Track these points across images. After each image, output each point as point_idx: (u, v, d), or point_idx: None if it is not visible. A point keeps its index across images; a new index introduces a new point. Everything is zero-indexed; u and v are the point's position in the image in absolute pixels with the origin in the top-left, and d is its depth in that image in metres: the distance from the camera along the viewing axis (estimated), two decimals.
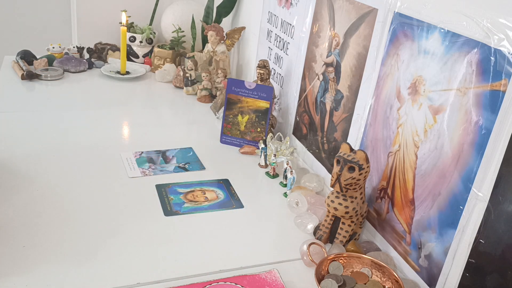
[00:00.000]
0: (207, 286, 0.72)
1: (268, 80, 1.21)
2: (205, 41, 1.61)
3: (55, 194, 0.93)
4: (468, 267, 0.66)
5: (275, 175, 1.08)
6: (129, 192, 0.97)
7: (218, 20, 1.60)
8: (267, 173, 1.09)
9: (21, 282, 0.71)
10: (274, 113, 1.30)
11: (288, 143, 1.13)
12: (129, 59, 1.71)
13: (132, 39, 1.71)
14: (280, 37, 1.27)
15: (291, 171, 0.99)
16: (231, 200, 0.98)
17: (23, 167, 1.01)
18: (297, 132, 1.20)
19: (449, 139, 0.69)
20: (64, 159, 1.05)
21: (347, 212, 0.82)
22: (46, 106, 1.14)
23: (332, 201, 0.83)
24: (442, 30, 0.71)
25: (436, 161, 0.72)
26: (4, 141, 1.10)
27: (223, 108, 1.30)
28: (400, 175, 0.80)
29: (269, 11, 1.33)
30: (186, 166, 1.08)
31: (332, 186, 0.82)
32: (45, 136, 1.14)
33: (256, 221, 0.92)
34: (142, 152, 1.12)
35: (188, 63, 1.50)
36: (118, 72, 1.60)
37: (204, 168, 1.08)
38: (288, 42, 1.22)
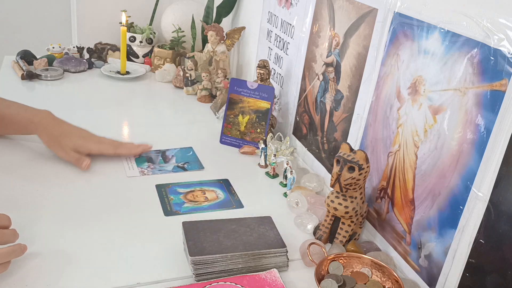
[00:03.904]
0: (207, 286, 0.72)
1: (268, 80, 1.21)
2: (205, 41, 1.61)
3: (54, 194, 0.93)
4: (468, 267, 0.66)
5: (275, 175, 1.08)
6: (129, 192, 0.97)
7: (218, 20, 1.60)
8: (267, 173, 1.09)
9: (21, 282, 0.71)
10: (274, 113, 1.30)
11: (288, 143, 1.13)
12: (129, 59, 1.71)
13: (132, 39, 1.71)
14: (280, 37, 1.27)
15: (291, 171, 0.99)
16: (231, 200, 0.98)
17: (22, 166, 1.01)
18: (297, 132, 1.20)
19: (449, 139, 0.69)
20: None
21: (347, 212, 0.82)
22: (46, 106, 1.14)
23: (332, 201, 0.83)
24: (442, 30, 0.71)
25: (436, 161, 0.72)
26: (3, 142, 1.10)
27: (223, 108, 1.30)
28: (400, 175, 0.80)
29: (269, 11, 1.33)
30: (185, 165, 1.08)
31: (332, 186, 0.82)
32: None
33: None
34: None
35: (188, 63, 1.50)
36: (118, 72, 1.60)
37: (203, 168, 1.08)
38: (288, 42, 1.22)
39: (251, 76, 1.50)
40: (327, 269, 0.76)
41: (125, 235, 0.84)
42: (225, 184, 1.03)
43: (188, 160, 1.11)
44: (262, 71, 1.19)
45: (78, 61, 1.60)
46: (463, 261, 0.67)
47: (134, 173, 1.03)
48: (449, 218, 0.69)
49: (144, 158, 1.10)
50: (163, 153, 1.13)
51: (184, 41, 1.70)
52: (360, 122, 0.92)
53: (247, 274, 0.75)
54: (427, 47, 0.74)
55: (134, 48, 1.72)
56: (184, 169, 1.07)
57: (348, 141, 0.96)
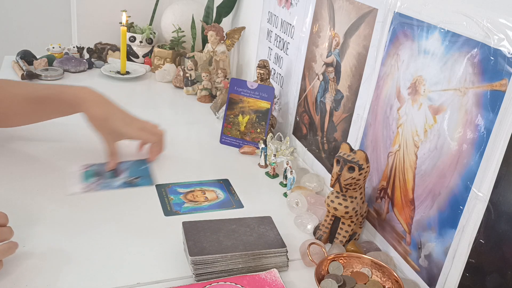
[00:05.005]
0: (207, 286, 0.72)
1: (268, 80, 1.21)
2: (205, 41, 1.61)
3: (54, 194, 0.93)
4: (468, 267, 0.66)
5: (275, 175, 1.08)
6: (128, 192, 0.97)
7: (218, 20, 1.60)
8: (267, 173, 1.09)
9: (21, 282, 0.71)
10: (274, 113, 1.30)
11: (288, 143, 1.13)
12: (129, 59, 1.71)
13: (132, 39, 1.71)
14: (280, 37, 1.27)
15: (291, 171, 0.99)
16: (231, 200, 0.98)
17: (23, 166, 1.01)
18: (297, 132, 1.20)
19: (449, 139, 0.69)
20: (63, 159, 1.05)
21: (347, 212, 0.82)
22: None
23: (332, 201, 0.83)
24: (442, 30, 0.71)
25: (436, 161, 0.72)
26: (3, 141, 1.10)
27: (223, 108, 1.30)
28: (400, 175, 0.80)
29: (269, 11, 1.33)
30: (136, 181, 1.00)
31: (332, 186, 0.82)
32: (45, 136, 1.14)
33: None
34: (91, 165, 1.03)
35: (188, 63, 1.50)
36: (118, 72, 1.60)
37: (153, 184, 0.99)
38: (288, 42, 1.22)
39: (251, 76, 1.50)
40: (327, 269, 0.76)
41: (125, 235, 0.84)
42: (225, 184, 1.03)
43: (141, 174, 1.02)
44: (262, 71, 1.19)
45: (78, 61, 1.60)
46: (463, 261, 0.67)
47: (75, 190, 0.94)
48: (449, 218, 0.69)
49: (93, 171, 1.01)
50: None
51: (184, 41, 1.70)
52: (360, 122, 0.92)
53: (247, 274, 0.75)
54: (427, 47, 0.74)
55: (134, 48, 1.72)
56: (133, 185, 0.98)
57: (348, 141, 0.96)
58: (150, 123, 1.08)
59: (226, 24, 1.64)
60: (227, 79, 1.43)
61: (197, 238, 0.77)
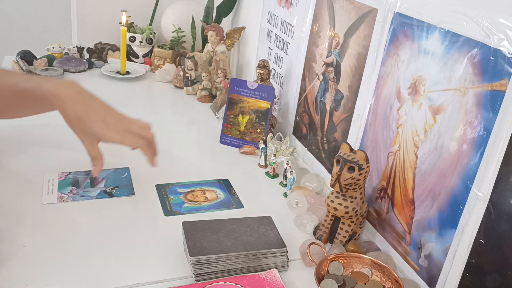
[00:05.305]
0: (207, 286, 0.72)
1: (268, 80, 1.21)
2: (205, 41, 1.61)
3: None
4: (468, 267, 0.66)
5: (275, 175, 1.08)
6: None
7: (218, 20, 1.60)
8: (267, 173, 1.09)
9: (21, 282, 0.71)
10: (274, 113, 1.30)
11: (288, 143, 1.13)
12: (129, 59, 1.71)
13: (132, 39, 1.71)
14: (280, 37, 1.27)
15: (291, 171, 0.99)
16: (231, 200, 0.98)
17: (24, 165, 1.01)
18: (297, 132, 1.20)
19: (449, 139, 0.69)
20: (64, 159, 1.05)
21: (347, 212, 0.82)
22: None
23: (332, 201, 0.83)
24: (442, 30, 0.71)
25: (436, 161, 0.72)
26: (5, 142, 1.10)
27: (223, 108, 1.30)
28: (400, 175, 0.80)
29: (269, 11, 1.33)
30: (113, 191, 0.95)
31: (332, 186, 0.82)
32: (46, 136, 1.14)
33: None
34: (69, 173, 1.00)
35: (188, 63, 1.50)
36: (118, 72, 1.60)
37: (133, 194, 0.96)
38: (288, 42, 1.22)
39: (251, 76, 1.50)
40: (327, 269, 0.76)
41: (125, 235, 0.84)
42: (225, 184, 1.03)
43: (120, 183, 0.98)
44: (262, 71, 1.19)
45: (78, 61, 1.60)
46: (463, 261, 0.67)
47: (51, 200, 0.90)
48: (449, 218, 0.69)
49: (70, 180, 0.97)
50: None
51: (184, 41, 1.70)
52: (360, 122, 0.92)
53: (247, 274, 0.75)
54: (427, 47, 0.74)
55: (134, 48, 1.72)
56: (111, 195, 0.94)
57: (348, 141, 0.96)
58: (140, 122, 0.93)
59: (226, 24, 1.64)
60: (227, 79, 1.43)
61: (197, 238, 0.77)
